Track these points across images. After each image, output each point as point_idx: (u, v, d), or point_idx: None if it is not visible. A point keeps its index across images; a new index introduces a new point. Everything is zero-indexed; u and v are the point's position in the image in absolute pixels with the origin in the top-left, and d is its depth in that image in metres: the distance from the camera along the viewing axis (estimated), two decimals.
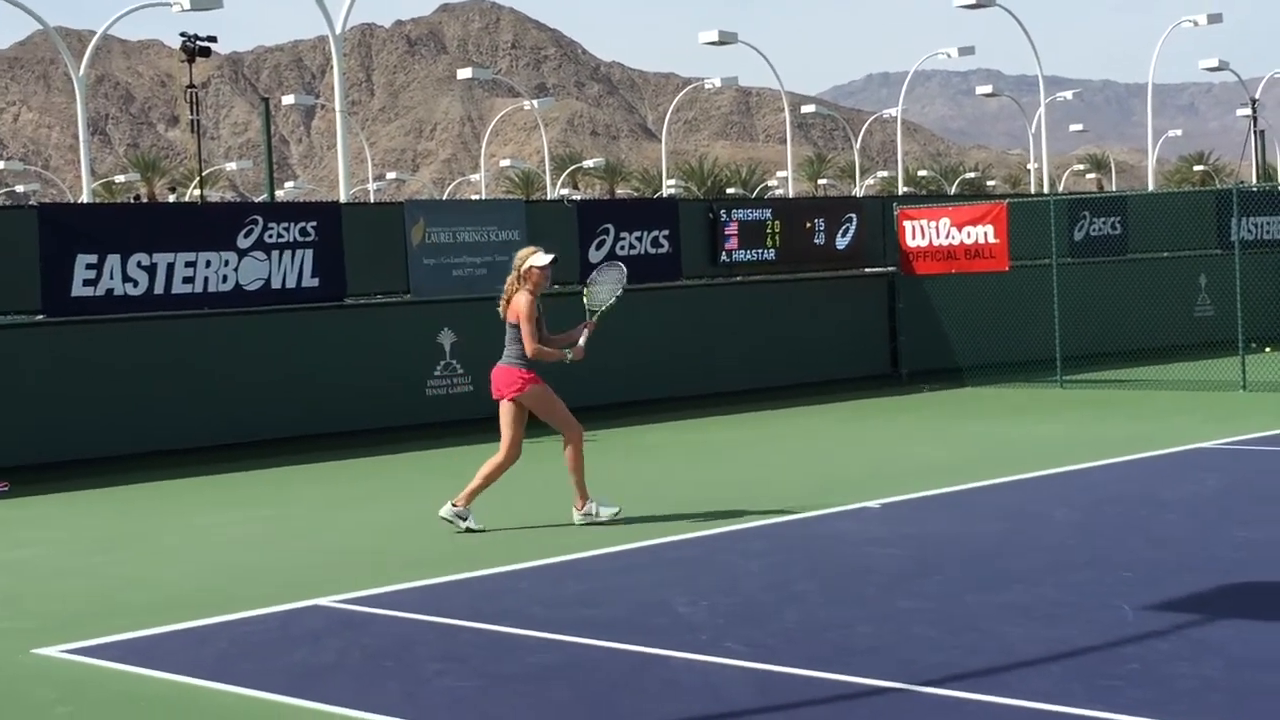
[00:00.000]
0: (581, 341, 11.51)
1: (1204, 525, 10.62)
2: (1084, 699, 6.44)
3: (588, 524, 11.40)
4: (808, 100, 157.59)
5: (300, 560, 10.71)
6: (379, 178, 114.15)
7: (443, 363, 18.31)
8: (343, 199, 27.11)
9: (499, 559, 10.21)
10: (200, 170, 46.46)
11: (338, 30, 28.03)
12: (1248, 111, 62.41)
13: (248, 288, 17.03)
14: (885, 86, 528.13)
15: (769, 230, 21.58)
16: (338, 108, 28.34)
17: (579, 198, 38.88)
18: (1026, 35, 46.01)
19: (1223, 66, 55.72)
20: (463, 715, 6.69)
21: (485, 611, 8.60)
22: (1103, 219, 24.56)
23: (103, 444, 16.01)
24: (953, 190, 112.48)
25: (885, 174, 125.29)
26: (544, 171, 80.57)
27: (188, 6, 31.85)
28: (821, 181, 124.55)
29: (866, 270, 23.00)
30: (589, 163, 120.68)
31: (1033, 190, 74.55)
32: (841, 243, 22.42)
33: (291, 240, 17.31)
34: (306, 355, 17.43)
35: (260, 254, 17.10)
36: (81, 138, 35.71)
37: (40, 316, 16.00)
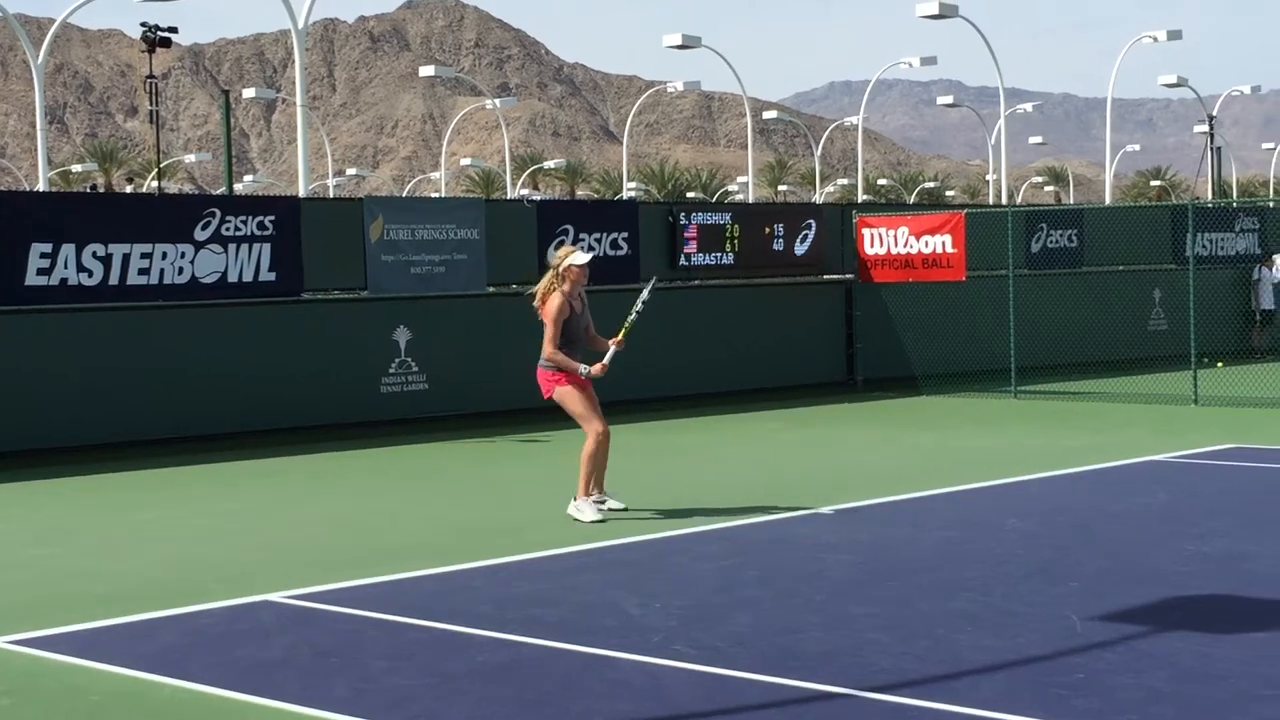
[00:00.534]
0: (606, 358, 11.70)
1: (1153, 538, 10.69)
2: (1031, 707, 6.47)
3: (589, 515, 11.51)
4: (770, 106, 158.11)
5: (250, 555, 10.66)
6: (339, 173, 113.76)
7: (397, 360, 18.26)
8: (302, 194, 26.99)
9: (449, 558, 10.19)
10: (158, 162, 46.21)
11: (300, 24, 27.92)
12: (1205, 128, 62.87)
13: (204, 280, 16.94)
14: (847, 95, 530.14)
15: (728, 235, 21.62)
16: (299, 102, 28.24)
17: (539, 198, 38.79)
18: (988, 47, 46.23)
19: (1181, 83, 56.14)
20: (410, 713, 6.67)
21: (434, 610, 8.58)
22: (1060, 231, 24.71)
23: (53, 436, 15.90)
24: (912, 199, 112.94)
25: (845, 182, 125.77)
26: (505, 171, 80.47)
27: None
28: (782, 188, 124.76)
29: (824, 277, 23.07)
30: (550, 163, 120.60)
31: (991, 201, 74.99)
32: (800, 249, 22.47)
33: (249, 234, 17.23)
34: (261, 350, 17.35)
35: (217, 247, 17.01)
36: (39, 126, 35.46)
37: None
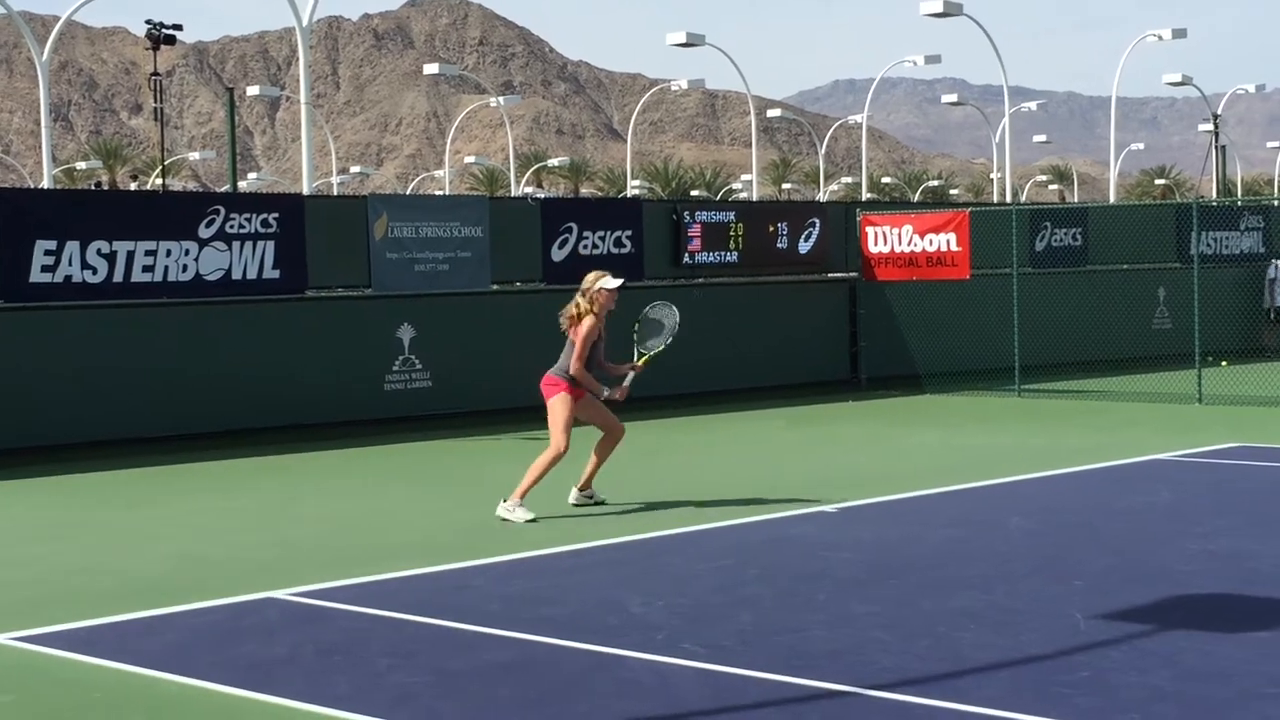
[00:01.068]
0: (626, 382, 12.03)
1: (1157, 536, 10.68)
2: (1034, 705, 6.46)
3: (579, 505, 12.04)
4: (774, 105, 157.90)
5: (254, 553, 10.66)
6: (343, 171, 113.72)
7: (401, 358, 18.26)
8: (306, 191, 27.00)
9: (452, 556, 10.19)
10: (163, 159, 46.26)
11: (304, 22, 27.92)
12: (1209, 127, 62.85)
13: (208, 278, 16.94)
14: (851, 93, 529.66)
15: (732, 233, 21.61)
16: (303, 100, 28.23)
17: (543, 196, 38.76)
18: (993, 46, 46.20)
19: (1186, 81, 56.05)
20: (413, 710, 6.67)
21: (438, 607, 8.58)
22: (1064, 230, 24.69)
23: (59, 432, 15.91)
24: (916, 198, 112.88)
25: (849, 180, 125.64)
26: (509, 169, 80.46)
27: None
28: (786, 186, 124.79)
29: (828, 275, 23.05)
30: (554, 161, 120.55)
31: (995, 200, 74.91)
32: (804, 247, 22.46)
33: (253, 231, 17.23)
34: (265, 347, 17.36)
35: (221, 244, 17.02)
36: (43, 123, 35.45)
37: None
